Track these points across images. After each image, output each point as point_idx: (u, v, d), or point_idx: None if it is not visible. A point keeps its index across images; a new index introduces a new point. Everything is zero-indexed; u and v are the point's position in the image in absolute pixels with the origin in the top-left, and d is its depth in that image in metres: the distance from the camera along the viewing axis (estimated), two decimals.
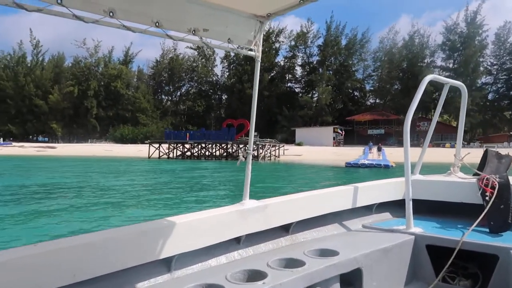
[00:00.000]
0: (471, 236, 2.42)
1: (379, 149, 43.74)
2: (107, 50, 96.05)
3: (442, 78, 2.94)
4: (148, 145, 46.74)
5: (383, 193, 3.15)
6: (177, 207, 11.57)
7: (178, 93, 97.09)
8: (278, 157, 50.19)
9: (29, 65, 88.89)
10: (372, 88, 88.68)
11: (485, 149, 3.32)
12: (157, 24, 1.63)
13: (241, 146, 44.84)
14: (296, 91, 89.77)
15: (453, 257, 2.29)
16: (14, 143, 70.06)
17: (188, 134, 44.97)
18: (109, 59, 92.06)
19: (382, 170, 27.69)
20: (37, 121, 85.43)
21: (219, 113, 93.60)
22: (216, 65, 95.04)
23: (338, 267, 1.98)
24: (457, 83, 3.13)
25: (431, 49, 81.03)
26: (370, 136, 73.09)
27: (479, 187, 2.79)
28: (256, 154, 42.30)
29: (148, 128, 79.80)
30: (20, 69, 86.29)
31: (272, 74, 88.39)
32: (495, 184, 2.69)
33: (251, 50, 2.13)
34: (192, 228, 1.88)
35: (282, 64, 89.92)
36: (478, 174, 2.99)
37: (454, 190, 3.08)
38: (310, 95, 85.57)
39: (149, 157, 44.93)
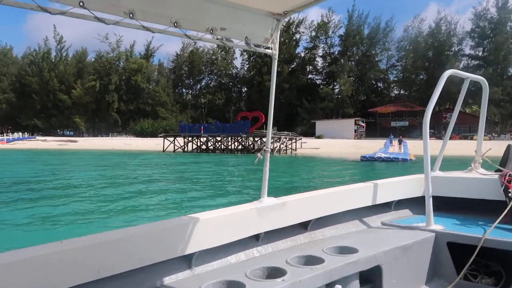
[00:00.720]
0: (494, 233, 2.37)
1: (400, 142, 41.81)
2: (128, 44, 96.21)
3: (462, 73, 2.88)
4: (162, 138, 46.42)
5: (402, 190, 3.11)
6: (185, 205, 10.86)
7: (198, 86, 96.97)
8: (295, 150, 48.98)
9: (53, 60, 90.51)
10: (395, 79, 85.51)
11: (507, 145, 3.23)
12: (175, 24, 1.66)
13: (256, 139, 43.94)
14: (317, 82, 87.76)
15: (475, 254, 2.23)
16: (38, 137, 71.78)
17: (202, 127, 44.28)
18: (130, 53, 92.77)
19: (400, 164, 26.20)
20: (61, 115, 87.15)
21: (239, 106, 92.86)
22: (236, 58, 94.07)
23: (357, 265, 1.98)
24: (478, 77, 3.07)
25: (458, 36, 77.33)
26: (393, 129, 70.60)
27: (502, 184, 2.75)
28: (271, 147, 41.47)
29: (167, 121, 79.93)
30: (45, 64, 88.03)
31: (292, 66, 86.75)
32: None
33: (268, 48, 2.10)
34: (212, 225, 1.89)
35: (302, 55, 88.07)
36: (500, 170, 2.94)
37: (475, 187, 3.02)
38: (331, 86, 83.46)
39: (163, 151, 44.71)
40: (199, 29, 1.78)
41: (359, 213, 2.81)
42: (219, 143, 44.47)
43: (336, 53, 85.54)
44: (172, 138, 45.53)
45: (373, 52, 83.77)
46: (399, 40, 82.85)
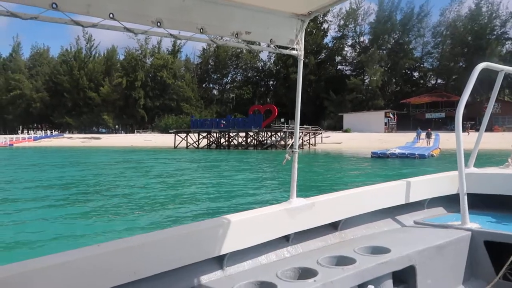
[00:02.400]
0: None
1: (428, 135, 37.71)
2: (156, 41, 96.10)
3: (496, 65, 2.85)
4: (174, 134, 45.00)
5: (435, 187, 3.05)
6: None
7: (225, 81, 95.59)
8: (314, 145, 46.13)
9: (83, 59, 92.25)
10: (429, 67, 79.54)
11: None
12: (201, 30, 1.69)
13: (270, 133, 41.50)
14: (347, 74, 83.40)
15: None
16: (65, 135, 73.26)
17: (213, 122, 42.35)
18: (158, 49, 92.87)
19: (417, 161, 22.93)
20: (91, 113, 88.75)
21: (266, 100, 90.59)
22: (262, 51, 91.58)
23: (390, 265, 1.96)
24: None
25: (501, 18, 70.13)
26: (428, 121, 65.57)
27: None
28: (284, 142, 38.76)
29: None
30: (74, 63, 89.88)
31: (320, 57, 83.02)
32: None
33: (293, 49, 2.09)
34: (242, 227, 1.91)
35: (330, 45, 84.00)
36: None
37: None
38: (361, 77, 78.98)
39: (175, 147, 43.32)
40: (225, 34, 1.80)
41: (391, 212, 2.75)
42: (232, 139, 42.32)
43: (367, 41, 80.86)
44: (184, 134, 43.87)
45: (407, 39, 78.23)
46: (435, 26, 76.86)
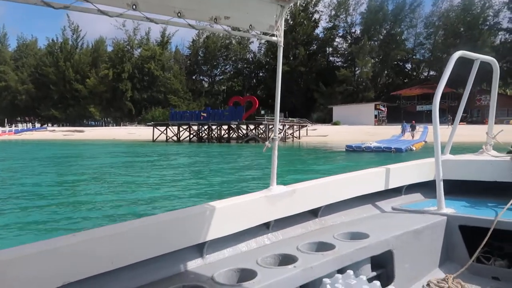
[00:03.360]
0: (507, 215, 2.38)
1: (413, 128, 36.29)
2: (144, 32, 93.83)
3: (472, 54, 2.90)
4: (152, 127, 43.41)
5: (413, 174, 3.09)
6: None
7: (215, 73, 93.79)
8: (299, 138, 44.75)
9: (69, 50, 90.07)
10: (421, 58, 77.98)
11: None
12: (179, 14, 1.65)
13: (252, 127, 40.05)
14: (338, 65, 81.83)
15: (487, 237, 2.24)
16: (49, 128, 71.55)
17: (193, 114, 40.76)
18: (147, 41, 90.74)
19: (393, 155, 21.62)
20: (77, 105, 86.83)
21: (256, 93, 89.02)
22: (252, 42, 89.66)
23: (368, 250, 2.00)
24: (488, 58, 3.09)
25: (494, 8, 68.68)
26: (419, 113, 64.24)
27: None
28: (264, 136, 37.34)
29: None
30: (60, 54, 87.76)
31: (310, 48, 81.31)
32: None
33: (273, 35, 2.10)
34: (223, 214, 1.90)
35: (321, 36, 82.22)
36: None
37: (487, 169, 3.02)
38: (352, 69, 77.41)
39: (153, 141, 41.78)
40: (203, 19, 1.77)
41: (370, 199, 2.80)
42: (212, 132, 40.79)
43: (358, 32, 79.16)
44: (164, 127, 42.32)
45: (398, 30, 76.66)
46: (427, 16, 75.27)
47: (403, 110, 68.97)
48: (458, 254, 2.44)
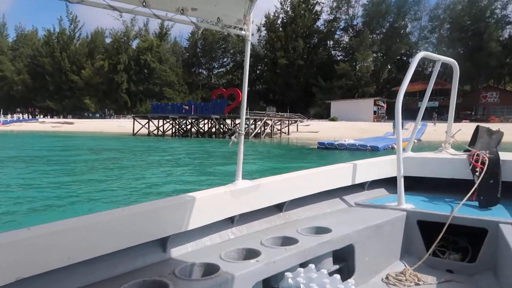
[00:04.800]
0: (461, 211, 2.47)
1: (402, 126, 33.95)
2: (142, 23, 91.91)
3: (433, 55, 3.00)
4: (132, 120, 41.49)
5: (376, 170, 3.15)
6: None
7: (214, 65, 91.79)
8: (288, 134, 42.57)
9: (65, 40, 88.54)
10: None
11: (476, 125, 3.33)
12: (144, 3, 1.60)
13: (237, 122, 37.93)
14: (339, 59, 79.14)
15: (443, 232, 2.33)
16: (40, 119, 70.25)
17: (175, 107, 38.73)
18: (145, 32, 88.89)
19: (368, 154, 19.44)
20: (73, 97, 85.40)
21: (258, 87, 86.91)
22: (252, 34, 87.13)
23: (330, 244, 2.04)
24: (449, 59, 3.16)
25: (503, 0, 65.34)
26: (434, 110, 61.54)
27: (470, 163, 2.85)
28: (248, 130, 35.25)
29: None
30: (56, 44, 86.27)
31: (311, 41, 78.73)
32: (485, 160, 2.75)
33: (241, 29, 2.08)
34: (186, 208, 1.88)
35: (322, 29, 79.50)
36: (469, 150, 3.04)
37: (445, 166, 3.13)
38: (353, 63, 74.66)
39: (133, 134, 39.91)
40: (169, 9, 1.72)
41: (334, 194, 2.84)
42: (192, 126, 38.71)
43: (360, 25, 76.27)
44: (146, 121, 40.39)
45: (402, 23, 73.71)
46: (432, 8, 72.16)
47: (404, 107, 66.08)
48: (416, 248, 2.50)
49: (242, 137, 2.22)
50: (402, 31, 73.67)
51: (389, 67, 75.08)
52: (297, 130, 44.55)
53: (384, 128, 44.50)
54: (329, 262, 2.04)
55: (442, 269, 2.40)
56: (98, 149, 23.68)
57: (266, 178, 2.40)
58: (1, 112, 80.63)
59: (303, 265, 1.79)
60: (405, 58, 77.26)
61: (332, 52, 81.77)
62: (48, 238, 1.42)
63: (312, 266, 1.64)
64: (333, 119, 62.02)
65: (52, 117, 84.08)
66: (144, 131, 40.46)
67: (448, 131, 3.44)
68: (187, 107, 37.26)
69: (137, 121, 40.26)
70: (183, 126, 39.39)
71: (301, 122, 53.36)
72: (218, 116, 35.13)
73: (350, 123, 52.10)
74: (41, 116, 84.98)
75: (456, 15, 66.86)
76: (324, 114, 67.41)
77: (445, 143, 3.44)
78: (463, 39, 65.71)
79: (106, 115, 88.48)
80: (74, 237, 1.48)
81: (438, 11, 71.21)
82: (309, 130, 45.15)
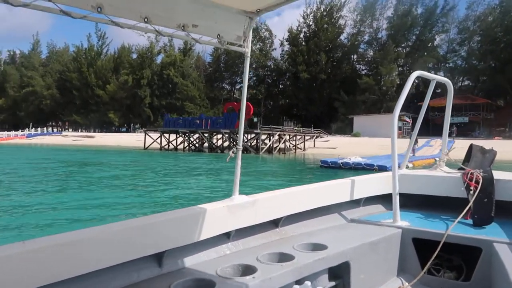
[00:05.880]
0: (456, 229, 2.48)
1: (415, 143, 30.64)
2: (167, 39, 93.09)
3: (428, 75, 3.06)
4: (144, 134, 41.02)
5: (371, 187, 3.17)
6: None
7: (236, 80, 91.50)
8: (303, 149, 40.90)
9: (93, 56, 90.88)
10: (454, 67, 71.45)
11: (470, 144, 3.36)
12: (146, 20, 1.64)
13: (251, 136, 36.68)
14: (363, 73, 76.96)
15: (438, 250, 2.33)
16: (64, 133, 71.66)
17: (186, 121, 37.94)
18: (169, 47, 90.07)
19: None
20: (98, 111, 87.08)
21: (281, 102, 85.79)
22: (275, 49, 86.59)
23: (326, 261, 2.04)
24: (443, 79, 3.29)
25: None
26: (453, 126, 58.32)
27: (464, 181, 2.87)
28: (256, 145, 33.89)
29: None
30: (83, 60, 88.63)
31: (334, 55, 77.10)
32: (479, 179, 2.77)
33: (240, 46, 2.12)
34: (182, 223, 1.87)
35: (345, 42, 77.76)
36: (463, 169, 3.07)
37: (439, 184, 3.15)
38: (378, 77, 72.28)
39: (145, 148, 39.38)
40: (171, 25, 1.76)
41: (329, 210, 2.84)
42: (203, 141, 37.69)
43: (384, 38, 74.05)
44: (158, 135, 39.81)
45: (429, 35, 70.97)
46: (461, 20, 69.09)
47: (432, 122, 63.15)
48: (411, 265, 2.50)
49: (240, 152, 2.21)
50: (430, 44, 70.87)
51: (416, 81, 72.16)
52: (314, 145, 42.79)
53: (405, 145, 41.88)
54: (325, 279, 2.04)
55: (437, 287, 2.42)
56: (90, 163, 22.96)
57: (263, 193, 2.39)
58: (31, 126, 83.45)
59: (299, 282, 1.83)
60: (432, 72, 74.06)
61: (356, 66, 79.66)
62: (42, 252, 1.39)
63: (308, 283, 1.68)
64: (356, 135, 59.79)
65: (80, 131, 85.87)
66: (157, 145, 39.89)
67: (443, 149, 3.50)
68: (198, 121, 36.36)
69: (148, 135, 39.73)
70: (193, 141, 38.50)
71: (321, 137, 51.57)
72: (228, 131, 33.99)
73: (370, 139, 49.84)
74: (69, 130, 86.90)
75: (487, 26, 63.59)
76: (347, 130, 65.22)
77: (440, 160, 3.47)
78: (495, 52, 62.21)
79: (132, 129, 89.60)
80: (67, 252, 1.44)
81: (467, 23, 68.10)
82: (327, 146, 43.34)
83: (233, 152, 2.21)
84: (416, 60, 67.78)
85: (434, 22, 69.91)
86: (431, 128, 61.85)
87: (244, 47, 2.09)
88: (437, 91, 71.43)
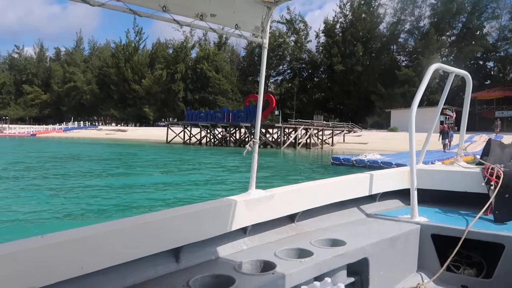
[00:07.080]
0: (477, 225, 2.43)
1: (444, 136, 26.72)
2: (202, 33, 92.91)
3: (447, 67, 2.99)
4: (166, 128, 40.32)
5: (388, 182, 3.11)
6: None
7: (272, 73, 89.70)
8: (331, 145, 38.60)
9: (130, 51, 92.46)
10: (502, 55, 65.44)
11: (488, 138, 3.30)
12: (164, 8, 1.64)
13: (273, 130, 34.93)
14: (403, 65, 72.51)
15: (458, 246, 2.29)
16: (99, 126, 73.28)
17: (208, 114, 36.79)
18: (204, 41, 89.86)
19: None
20: (134, 105, 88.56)
21: (317, 95, 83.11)
22: (310, 41, 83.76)
23: (345, 257, 2.02)
24: (462, 72, 3.18)
25: None
26: (497, 119, 53.60)
27: (484, 176, 2.79)
28: (279, 140, 32.09)
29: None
30: (121, 55, 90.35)
31: (372, 46, 73.26)
32: (500, 174, 2.68)
33: (259, 36, 2.10)
34: (199, 218, 1.86)
35: (384, 32, 73.57)
36: (482, 164, 2.98)
37: (458, 180, 3.07)
38: (419, 68, 67.73)
39: (167, 142, 38.74)
40: (189, 15, 1.75)
41: (346, 205, 2.79)
42: (226, 134, 36.41)
43: (427, 26, 69.18)
44: (181, 128, 39.05)
45: (477, 22, 65.43)
46: None
47: (478, 116, 58.27)
48: (430, 262, 2.47)
49: (256, 146, 2.20)
50: (478, 32, 65.37)
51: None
52: (344, 140, 40.32)
53: (441, 139, 38.38)
54: (343, 275, 2.01)
55: (457, 284, 2.38)
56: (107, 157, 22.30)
57: (279, 188, 2.36)
58: (72, 120, 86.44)
59: (318, 278, 1.79)
60: (481, 63, 68.56)
61: (396, 57, 75.29)
62: (62, 246, 1.38)
63: (328, 279, 1.64)
64: (393, 130, 56.22)
65: (120, 125, 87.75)
66: (180, 139, 39.15)
67: (460, 144, 3.48)
68: (219, 114, 35.09)
69: (171, 129, 39.07)
70: (217, 134, 37.33)
71: (354, 132, 48.88)
72: (248, 124, 32.43)
73: (407, 135, 46.41)
74: (111, 124, 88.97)
75: None
76: (384, 124, 61.71)
77: (457, 155, 3.43)
78: None
79: (171, 124, 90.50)
80: (87, 246, 1.44)
81: None
82: (358, 141, 40.74)
83: (250, 146, 2.20)
84: (462, 49, 62.79)
85: (483, 7, 64.27)
86: (478, 123, 57.21)
87: (262, 38, 2.06)
88: (485, 82, 66.15)
